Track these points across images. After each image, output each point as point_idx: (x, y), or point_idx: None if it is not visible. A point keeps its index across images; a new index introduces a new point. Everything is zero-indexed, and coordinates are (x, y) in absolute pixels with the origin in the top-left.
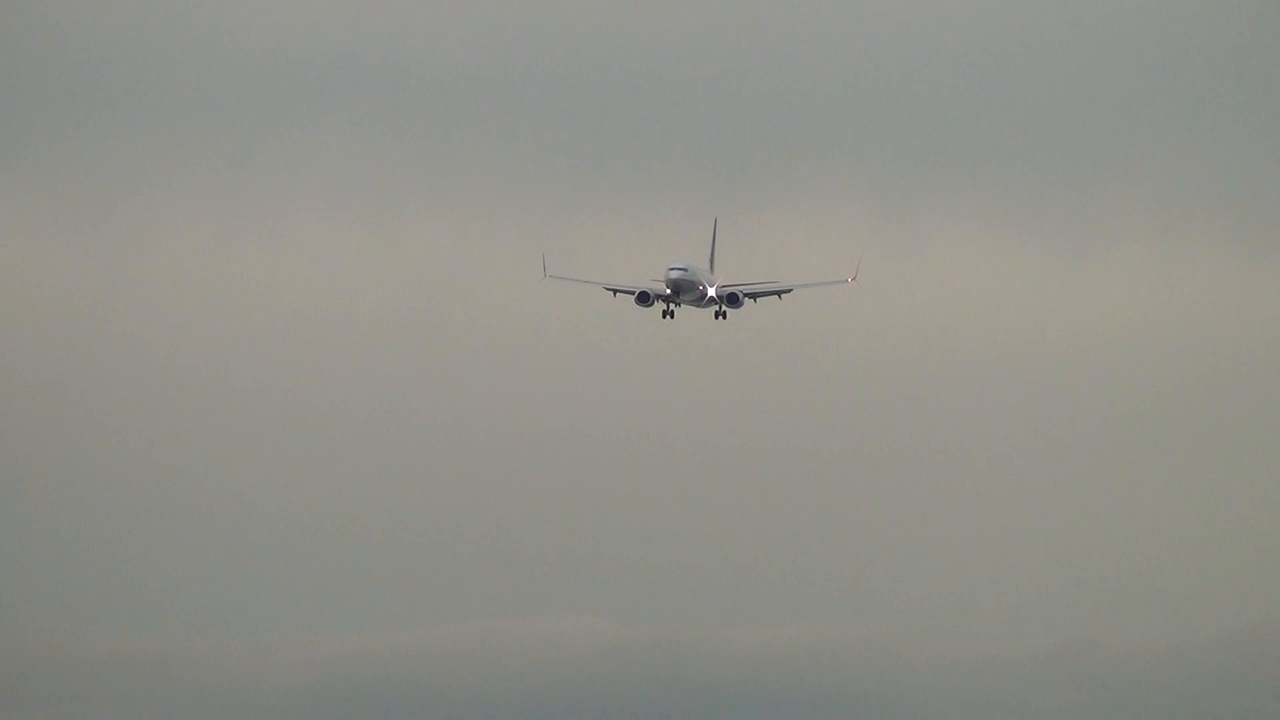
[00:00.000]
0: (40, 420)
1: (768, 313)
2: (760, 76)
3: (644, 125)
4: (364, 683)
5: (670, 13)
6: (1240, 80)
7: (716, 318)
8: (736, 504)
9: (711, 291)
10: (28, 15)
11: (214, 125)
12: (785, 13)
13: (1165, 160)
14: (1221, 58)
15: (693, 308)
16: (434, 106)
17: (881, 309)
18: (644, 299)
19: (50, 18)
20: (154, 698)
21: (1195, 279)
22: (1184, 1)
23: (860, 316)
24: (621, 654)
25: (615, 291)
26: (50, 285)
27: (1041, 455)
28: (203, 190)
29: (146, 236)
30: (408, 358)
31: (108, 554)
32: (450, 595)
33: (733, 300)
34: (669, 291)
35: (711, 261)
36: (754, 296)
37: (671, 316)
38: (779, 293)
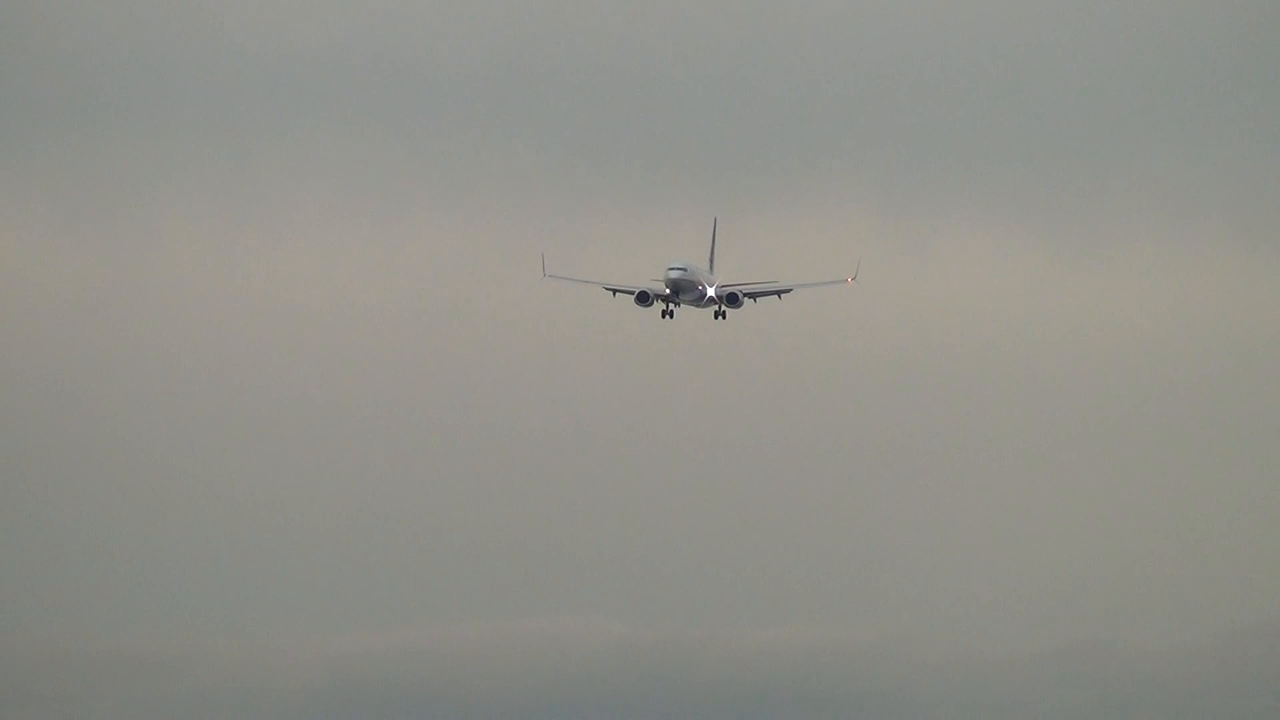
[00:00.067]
0: (45, 420)
1: (767, 313)
2: (761, 76)
3: (644, 125)
4: (369, 683)
5: (672, 13)
6: (1244, 79)
7: (716, 318)
8: (738, 504)
9: (711, 291)
10: (32, 15)
11: (217, 125)
12: (786, 13)
13: (1168, 159)
14: (1226, 57)
15: (692, 308)
16: (435, 107)
17: (883, 309)
18: (644, 299)
19: (54, 18)
20: (157, 698)
21: (1199, 278)
22: (1187, 1)
23: (861, 316)
24: (624, 654)
25: (615, 291)
26: (55, 285)
27: (1044, 455)
28: (206, 190)
29: (150, 236)
30: (410, 357)
31: (112, 553)
32: (454, 595)
33: (732, 300)
34: (669, 291)
35: (711, 261)
36: (754, 296)
37: (671, 316)
38: (779, 293)
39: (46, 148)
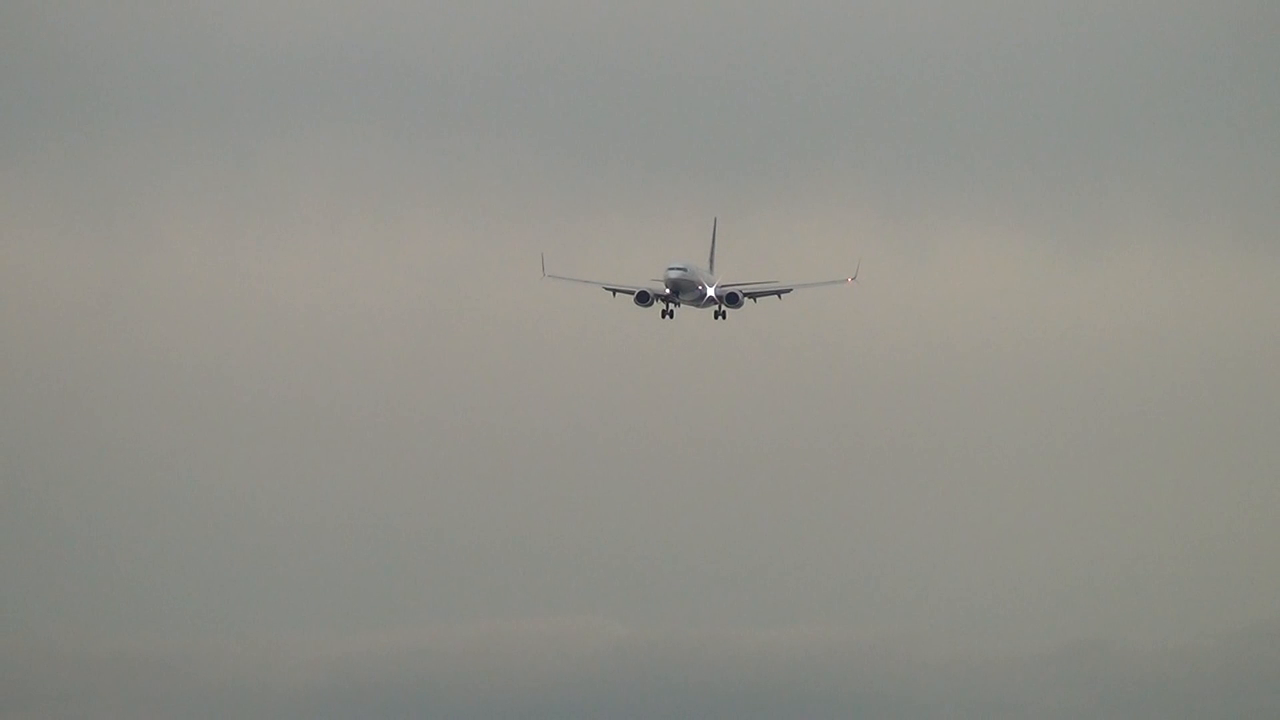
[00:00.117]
0: (47, 420)
1: (768, 313)
2: (761, 76)
3: (644, 125)
4: (371, 683)
5: (672, 13)
6: (1246, 79)
7: (716, 318)
8: (738, 504)
9: (711, 291)
10: (33, 15)
11: (216, 126)
12: (787, 12)
13: (1170, 160)
14: (1227, 57)
15: (692, 308)
16: (435, 107)
17: (883, 309)
18: (643, 299)
19: (56, 17)
20: (158, 698)
21: (1200, 279)
22: (1192, 3)
23: (861, 316)
24: (625, 654)
25: (615, 291)
26: (56, 285)
27: (1045, 455)
28: (205, 190)
29: (150, 236)
30: (410, 357)
31: (113, 554)
32: (456, 595)
33: (732, 300)
34: (668, 291)
35: (711, 261)
36: (754, 296)
37: (671, 316)
38: (779, 293)
39: (47, 148)
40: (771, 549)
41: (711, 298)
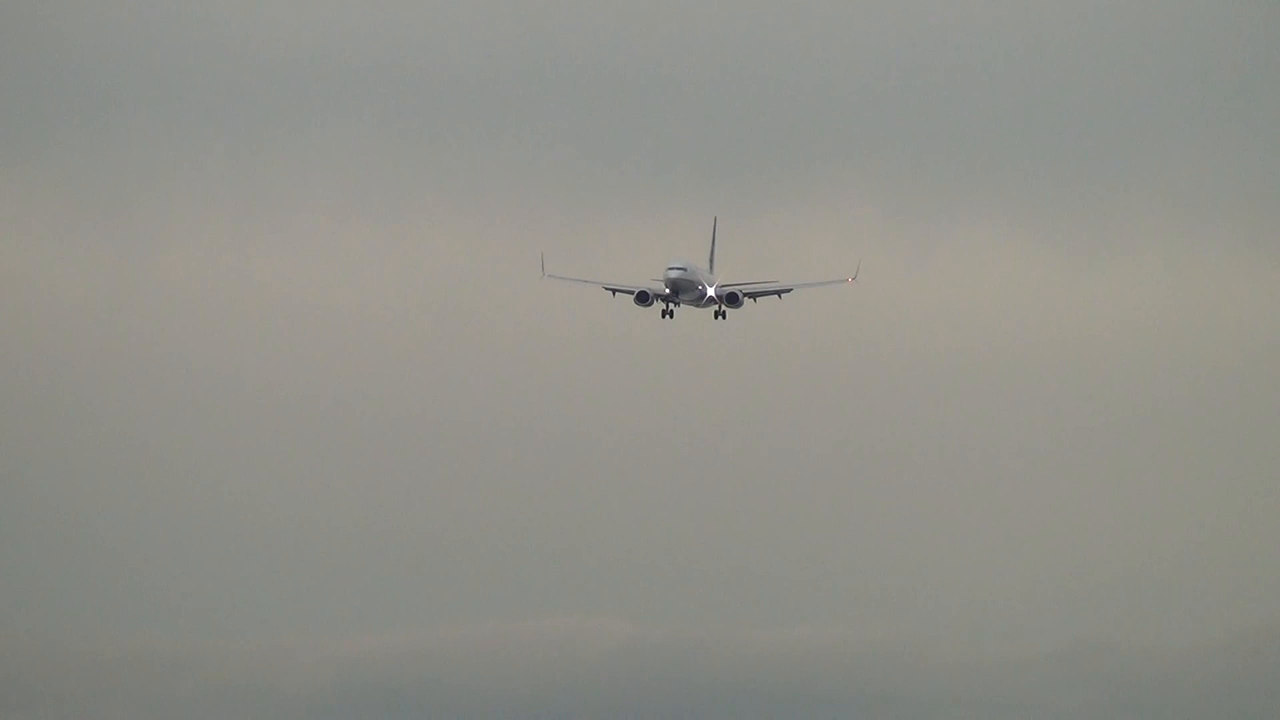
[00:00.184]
0: (53, 420)
1: (768, 313)
2: (762, 76)
3: (644, 125)
4: (378, 683)
5: (672, 13)
6: (1253, 82)
7: (716, 317)
8: (738, 505)
9: (711, 291)
10: (41, 15)
11: (222, 127)
12: (789, 11)
13: (1178, 162)
14: (1237, 59)
15: (692, 307)
16: (436, 108)
17: (884, 309)
18: (643, 299)
19: (64, 18)
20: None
21: (1209, 281)
22: (1199, 4)
23: (862, 316)
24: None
25: (614, 291)
26: (64, 285)
27: (1049, 456)
28: (210, 191)
29: (157, 237)
30: (410, 357)
31: (120, 553)
32: (461, 595)
33: (732, 300)
34: (668, 291)
35: (711, 261)
36: (754, 296)
37: (671, 316)
38: (779, 292)
39: (56, 148)
40: (775, 550)
41: (711, 298)
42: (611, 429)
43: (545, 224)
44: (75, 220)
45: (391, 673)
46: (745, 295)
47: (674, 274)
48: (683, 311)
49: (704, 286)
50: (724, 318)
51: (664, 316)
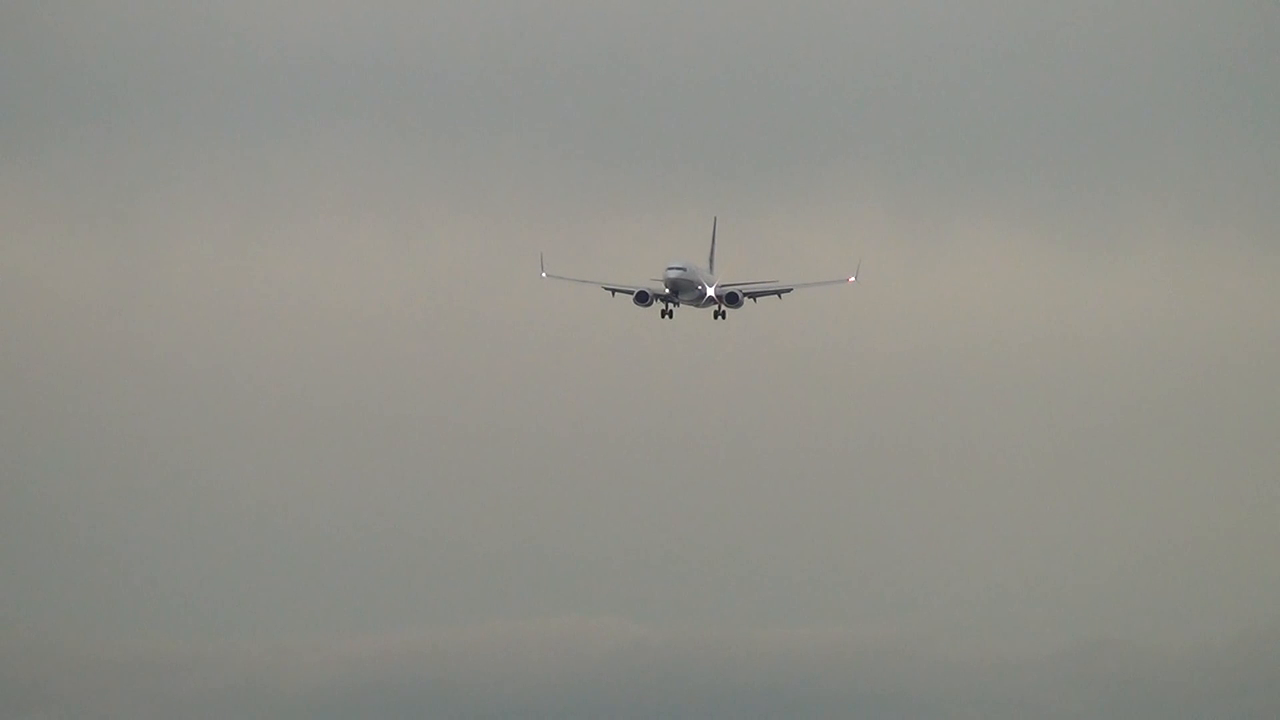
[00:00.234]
0: (56, 420)
1: (768, 313)
2: (763, 75)
3: (645, 125)
4: (384, 683)
5: (673, 13)
6: (1259, 81)
7: (716, 318)
8: (738, 505)
9: (711, 291)
10: (46, 15)
11: (225, 127)
12: (790, 11)
13: (1182, 160)
14: (1240, 58)
15: (692, 307)
16: (436, 107)
17: (885, 309)
18: (643, 298)
19: (66, 17)
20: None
21: (1213, 279)
22: (1201, 3)
23: (863, 316)
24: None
25: (614, 291)
26: (71, 285)
27: (1054, 455)
28: (212, 190)
29: (161, 237)
30: (410, 357)
31: (122, 554)
32: (466, 596)
33: (732, 300)
34: (668, 291)
35: (711, 261)
36: (754, 296)
37: (670, 316)
38: (779, 292)
39: (61, 148)
40: (776, 549)
41: (711, 297)
42: (612, 429)
43: (545, 224)
44: (79, 220)
45: (394, 673)
46: (745, 295)
47: (674, 274)
48: (682, 311)
49: (704, 286)
50: (724, 318)
51: (664, 316)
